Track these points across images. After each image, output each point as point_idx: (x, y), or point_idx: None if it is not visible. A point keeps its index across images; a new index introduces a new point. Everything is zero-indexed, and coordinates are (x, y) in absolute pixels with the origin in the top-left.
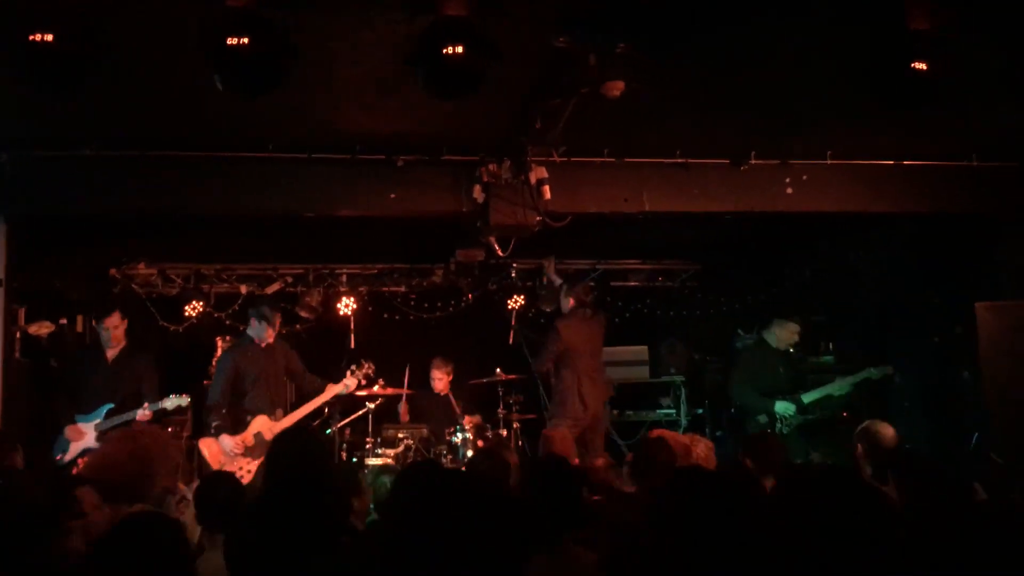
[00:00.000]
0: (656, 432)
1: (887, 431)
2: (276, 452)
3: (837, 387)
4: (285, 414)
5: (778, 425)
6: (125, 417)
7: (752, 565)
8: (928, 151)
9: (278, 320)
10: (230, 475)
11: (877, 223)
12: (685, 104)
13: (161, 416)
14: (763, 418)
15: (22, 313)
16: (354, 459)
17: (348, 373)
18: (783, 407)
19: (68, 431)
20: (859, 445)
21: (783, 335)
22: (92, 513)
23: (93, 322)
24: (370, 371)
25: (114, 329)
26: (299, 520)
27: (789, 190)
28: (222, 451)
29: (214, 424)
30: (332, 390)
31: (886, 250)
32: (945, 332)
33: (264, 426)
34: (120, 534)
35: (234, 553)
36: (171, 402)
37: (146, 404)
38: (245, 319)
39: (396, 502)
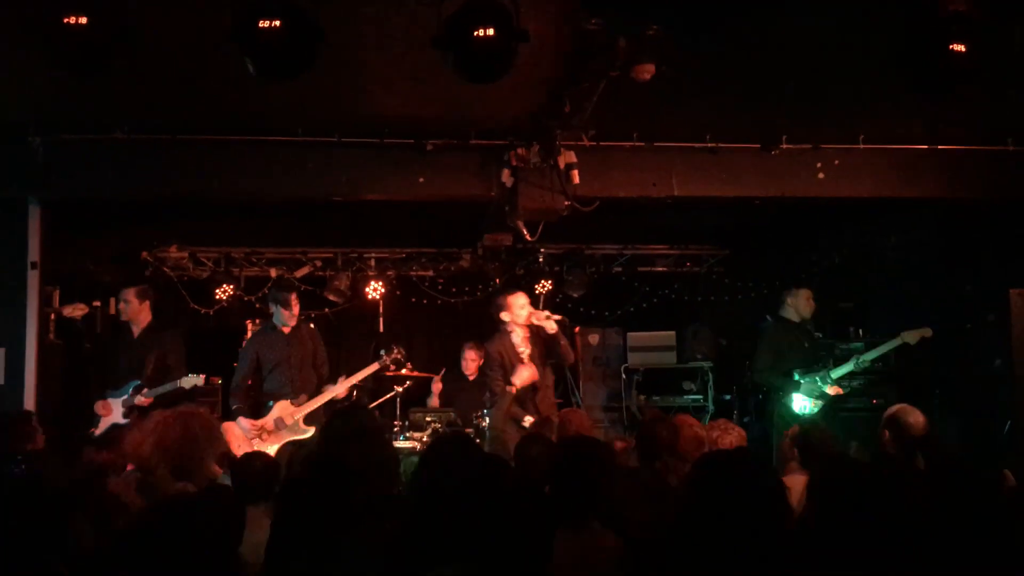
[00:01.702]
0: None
1: (917, 418)
2: (332, 429)
3: (871, 354)
4: (309, 399)
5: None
6: (160, 390)
7: (774, 551)
8: (963, 135)
9: (294, 299)
10: (264, 453)
11: (908, 208)
12: (715, 88)
13: (193, 397)
14: (789, 400)
15: (56, 295)
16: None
17: (381, 356)
18: (808, 388)
19: (97, 406)
20: (885, 431)
21: (800, 304)
22: (122, 495)
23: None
24: (399, 356)
25: (124, 304)
26: (344, 496)
27: (821, 175)
28: (241, 434)
29: (234, 407)
30: (327, 394)
31: (917, 235)
32: (977, 319)
33: (285, 411)
34: (166, 513)
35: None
36: (188, 381)
37: (145, 390)
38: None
39: (426, 470)
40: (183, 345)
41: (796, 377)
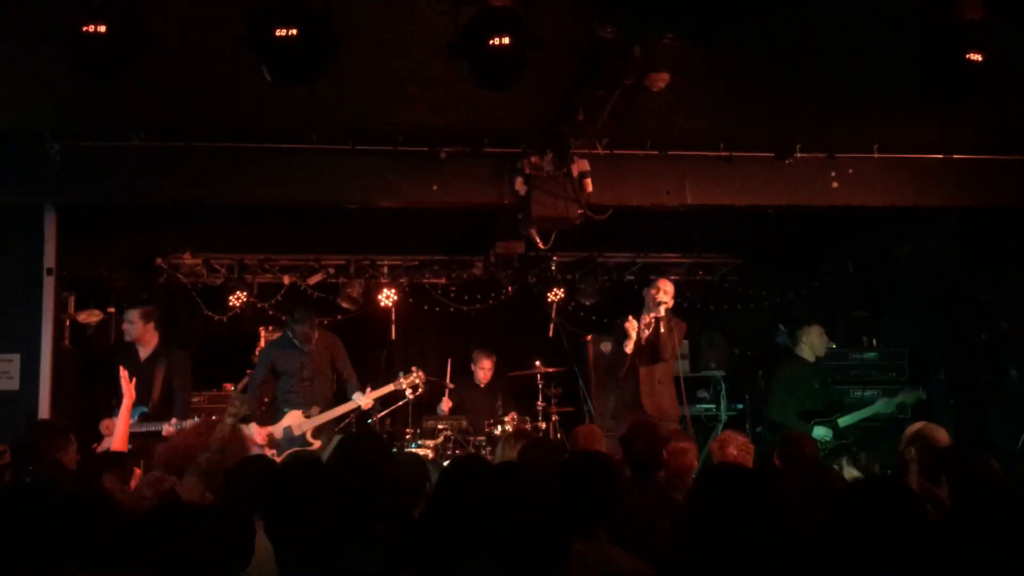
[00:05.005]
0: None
1: (941, 435)
2: (340, 454)
3: (874, 410)
4: (322, 411)
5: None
6: (152, 427)
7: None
8: (977, 144)
9: (312, 329)
10: (262, 457)
11: (922, 216)
12: (730, 96)
13: (205, 403)
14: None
15: (71, 301)
16: (394, 449)
17: (400, 379)
18: (821, 432)
19: (103, 425)
20: (912, 449)
21: (814, 342)
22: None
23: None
24: (418, 381)
25: (129, 324)
26: (343, 509)
27: (835, 184)
28: (249, 437)
29: (246, 412)
30: (350, 405)
31: (931, 244)
32: (992, 329)
33: (295, 421)
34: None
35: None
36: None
37: (174, 420)
38: (287, 309)
39: (442, 497)
40: (189, 366)
41: (814, 430)
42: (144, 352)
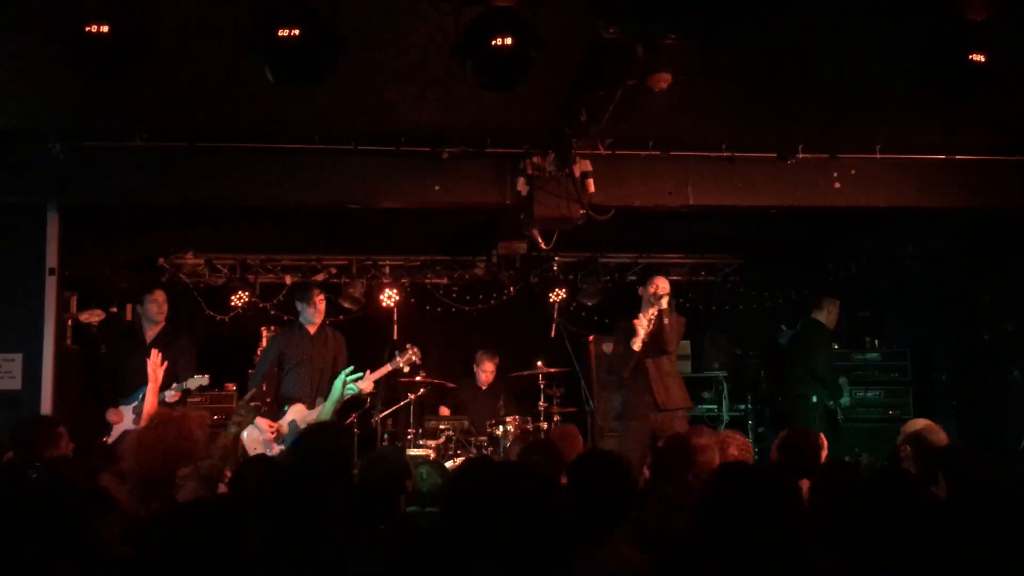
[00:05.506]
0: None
1: (940, 437)
2: (300, 447)
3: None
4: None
5: (840, 415)
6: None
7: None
8: (980, 145)
9: (316, 295)
10: (264, 457)
11: (926, 217)
12: (732, 96)
13: (207, 403)
14: (832, 403)
15: (73, 301)
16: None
17: (396, 358)
18: (846, 400)
19: (109, 414)
20: (907, 447)
21: (835, 312)
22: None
23: (137, 306)
24: (414, 356)
25: (156, 305)
26: (329, 508)
27: (837, 184)
28: (258, 435)
29: (251, 421)
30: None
31: (934, 245)
32: (996, 329)
33: (299, 415)
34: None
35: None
36: (194, 382)
37: (174, 384)
38: (289, 309)
39: (454, 499)
40: (194, 351)
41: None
42: (151, 334)
